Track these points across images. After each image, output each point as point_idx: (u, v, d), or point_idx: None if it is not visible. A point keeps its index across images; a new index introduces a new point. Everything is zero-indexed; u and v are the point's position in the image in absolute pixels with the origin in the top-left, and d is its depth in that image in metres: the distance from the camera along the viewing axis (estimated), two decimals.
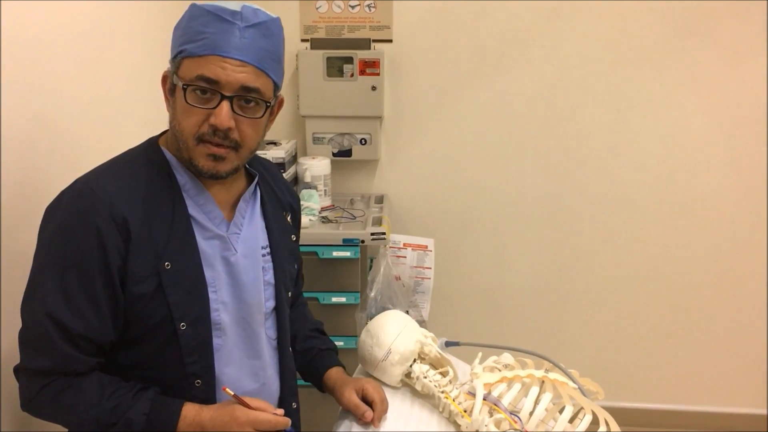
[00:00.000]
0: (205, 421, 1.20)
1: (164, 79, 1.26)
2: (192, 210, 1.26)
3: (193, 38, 1.18)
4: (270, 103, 1.24)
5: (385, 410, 1.41)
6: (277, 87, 1.27)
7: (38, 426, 1.39)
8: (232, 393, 1.22)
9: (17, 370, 1.22)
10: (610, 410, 1.35)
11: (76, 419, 1.19)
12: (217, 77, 1.16)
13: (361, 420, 1.38)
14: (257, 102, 1.21)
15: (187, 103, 1.18)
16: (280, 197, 1.47)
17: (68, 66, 1.58)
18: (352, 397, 1.40)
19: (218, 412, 1.21)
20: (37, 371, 1.18)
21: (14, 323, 1.27)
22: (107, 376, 1.21)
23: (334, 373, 1.49)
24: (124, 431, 1.16)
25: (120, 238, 1.16)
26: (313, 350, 1.55)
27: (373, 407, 1.39)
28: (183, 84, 1.18)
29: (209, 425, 1.19)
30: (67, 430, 1.28)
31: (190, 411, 1.20)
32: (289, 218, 1.49)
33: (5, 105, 1.32)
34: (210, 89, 1.17)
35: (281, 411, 1.26)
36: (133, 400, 1.18)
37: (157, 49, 1.90)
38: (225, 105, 1.17)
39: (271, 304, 1.40)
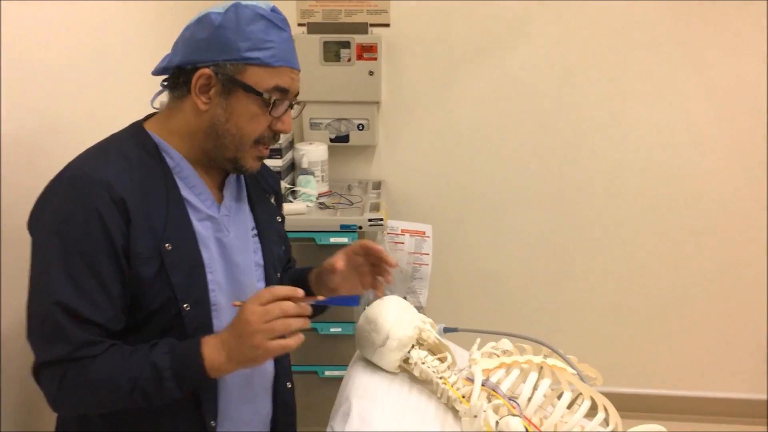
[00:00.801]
0: (222, 335, 1.17)
1: (203, 76, 1.22)
2: (184, 192, 1.27)
3: (260, 45, 1.22)
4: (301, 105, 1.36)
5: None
6: None
7: (39, 426, 1.39)
8: (240, 303, 1.19)
9: (35, 370, 1.19)
10: (609, 396, 1.35)
11: (104, 392, 1.16)
12: (289, 87, 1.26)
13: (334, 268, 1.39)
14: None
15: (270, 114, 1.25)
16: (260, 180, 1.49)
17: (69, 62, 1.58)
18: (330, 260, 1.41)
19: (231, 323, 1.18)
20: (52, 362, 1.16)
21: (14, 323, 1.27)
22: (120, 345, 1.19)
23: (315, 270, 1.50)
24: (152, 376, 1.14)
25: (121, 219, 1.16)
26: (300, 269, 1.59)
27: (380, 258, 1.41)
28: (272, 98, 1.23)
29: (226, 335, 1.16)
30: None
31: (209, 339, 1.18)
32: (273, 200, 1.51)
33: (7, 103, 1.32)
34: (281, 99, 1.25)
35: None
36: (150, 349, 1.17)
37: (159, 44, 1.89)
38: (290, 112, 1.28)
39: (261, 285, 1.40)
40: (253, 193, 1.43)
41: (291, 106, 1.28)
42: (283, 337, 1.14)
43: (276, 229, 1.49)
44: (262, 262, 1.40)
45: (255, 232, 1.40)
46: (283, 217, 1.55)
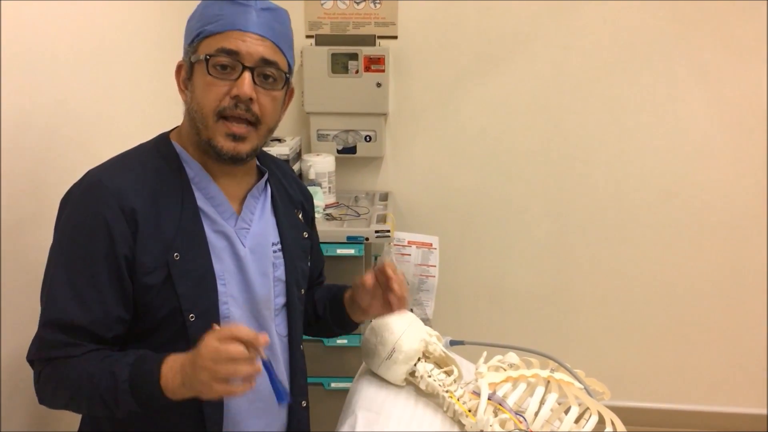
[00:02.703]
0: (183, 357, 1.11)
1: (179, 68, 1.28)
2: (201, 202, 1.26)
3: (211, 20, 1.21)
4: (288, 76, 1.27)
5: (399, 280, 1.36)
6: (290, 70, 1.29)
7: (40, 426, 1.39)
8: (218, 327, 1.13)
9: (30, 362, 1.21)
10: (616, 410, 1.34)
11: (71, 392, 1.16)
12: (238, 49, 1.19)
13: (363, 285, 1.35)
14: (275, 77, 1.24)
15: (209, 74, 1.19)
16: (291, 194, 1.47)
17: (80, 61, 1.59)
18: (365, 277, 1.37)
19: (194, 349, 1.11)
20: (37, 359, 1.19)
21: (14, 323, 1.27)
22: (102, 349, 1.18)
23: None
24: (110, 384, 1.12)
25: (128, 228, 1.17)
26: (335, 287, 1.55)
27: (389, 283, 1.34)
28: (205, 55, 1.19)
29: (187, 358, 1.10)
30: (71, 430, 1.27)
31: (173, 357, 1.13)
32: (300, 216, 1.48)
33: (15, 101, 1.33)
34: (231, 62, 1.20)
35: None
36: (119, 359, 1.15)
37: (169, 42, 1.90)
38: (247, 75, 1.20)
39: (281, 300, 1.39)
40: (281, 207, 1.41)
41: (249, 70, 1.20)
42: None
43: (301, 244, 1.46)
44: (284, 277, 1.38)
45: (279, 246, 1.38)
46: (311, 233, 1.52)
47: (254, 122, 1.23)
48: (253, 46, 1.20)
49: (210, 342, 1.06)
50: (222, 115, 1.21)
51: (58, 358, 1.16)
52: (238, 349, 1.04)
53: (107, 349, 1.20)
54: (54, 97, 1.48)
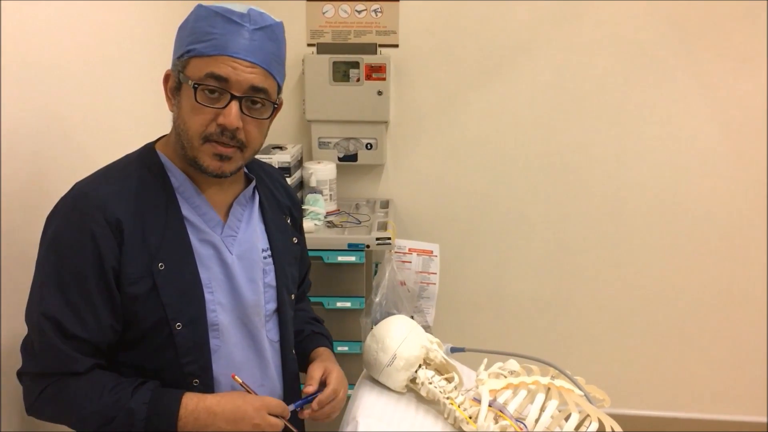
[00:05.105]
0: (212, 406, 1.19)
1: (167, 77, 1.28)
2: (186, 211, 1.27)
3: (202, 38, 1.19)
4: (276, 104, 1.27)
5: (331, 399, 1.38)
6: (279, 89, 1.29)
7: (39, 426, 1.39)
8: (241, 381, 1.22)
9: (20, 375, 1.23)
10: (617, 418, 1.34)
11: (77, 417, 1.19)
12: (227, 76, 1.18)
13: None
14: (264, 103, 1.24)
15: (197, 101, 1.19)
16: (279, 200, 1.48)
17: (75, 67, 1.59)
18: (313, 371, 1.39)
19: (225, 397, 1.22)
20: (36, 374, 1.19)
21: (14, 323, 1.27)
22: (107, 372, 1.21)
23: (320, 351, 1.49)
24: (125, 422, 1.16)
25: (114, 240, 1.17)
26: (306, 331, 1.54)
27: (324, 389, 1.37)
28: (194, 83, 1.18)
29: (218, 408, 1.19)
30: (71, 431, 1.28)
31: (191, 399, 1.20)
32: (289, 221, 1.49)
33: (11, 107, 1.33)
34: (219, 88, 1.19)
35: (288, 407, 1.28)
36: (133, 392, 1.18)
37: (163, 49, 1.91)
38: (234, 105, 1.19)
39: (272, 306, 1.40)
40: (269, 213, 1.42)
41: (237, 99, 1.19)
42: None
43: (291, 250, 1.47)
44: (274, 283, 1.39)
45: (269, 252, 1.39)
46: (300, 239, 1.53)
47: (240, 147, 1.24)
48: (243, 74, 1.19)
49: (263, 415, 1.22)
50: (208, 139, 1.21)
51: (59, 373, 1.18)
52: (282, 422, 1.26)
53: (107, 368, 1.22)
54: (50, 103, 1.48)
